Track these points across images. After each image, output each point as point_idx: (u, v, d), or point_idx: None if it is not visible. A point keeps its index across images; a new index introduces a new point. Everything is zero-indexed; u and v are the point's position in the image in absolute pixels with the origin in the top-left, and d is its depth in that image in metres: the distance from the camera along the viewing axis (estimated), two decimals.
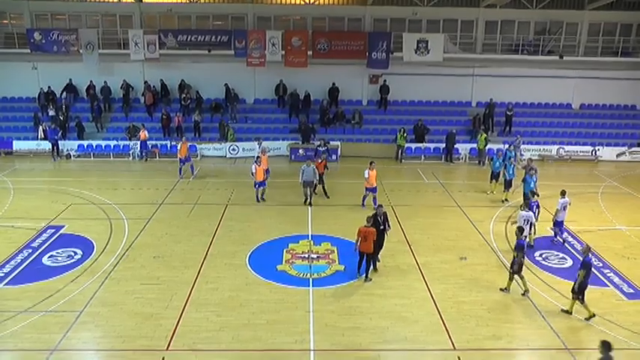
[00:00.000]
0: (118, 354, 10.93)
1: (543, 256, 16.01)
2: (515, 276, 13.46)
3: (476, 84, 31.22)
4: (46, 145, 27.64)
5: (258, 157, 20.79)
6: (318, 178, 20.31)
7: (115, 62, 29.83)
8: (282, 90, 30.41)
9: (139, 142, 27.42)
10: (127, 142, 28.04)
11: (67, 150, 27.83)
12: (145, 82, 30.16)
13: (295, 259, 15.42)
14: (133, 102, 30.59)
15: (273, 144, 27.77)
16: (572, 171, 26.74)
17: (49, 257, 15.35)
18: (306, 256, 15.63)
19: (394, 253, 15.53)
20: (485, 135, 27.36)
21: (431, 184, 23.78)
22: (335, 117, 29.95)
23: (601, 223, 18.98)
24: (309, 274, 14.44)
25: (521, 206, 16.27)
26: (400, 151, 27.77)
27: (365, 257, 13.99)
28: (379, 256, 14.72)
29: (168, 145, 27.84)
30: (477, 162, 27.79)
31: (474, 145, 27.99)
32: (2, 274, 14.24)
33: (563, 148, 28.91)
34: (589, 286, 12.47)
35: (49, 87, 29.62)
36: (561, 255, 16.05)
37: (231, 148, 28.22)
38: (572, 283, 12.58)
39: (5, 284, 13.75)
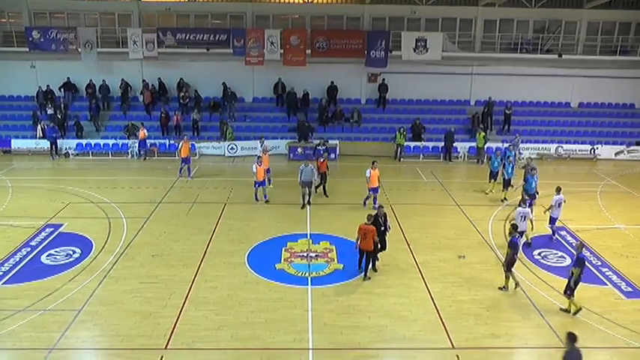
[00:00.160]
0: (117, 353, 10.92)
1: (542, 254, 16.02)
2: (507, 270, 13.48)
3: (474, 83, 31.23)
4: (45, 144, 27.61)
5: (259, 156, 20.77)
6: (318, 177, 20.25)
7: (113, 61, 29.77)
8: (281, 89, 30.39)
9: (137, 141, 27.39)
10: (125, 141, 28.02)
11: (66, 149, 27.80)
12: (143, 81, 30.15)
13: (294, 257, 15.42)
14: (131, 101, 30.56)
15: (271, 143, 27.71)
16: (570, 169, 26.77)
17: (48, 256, 15.34)
18: (305, 254, 15.63)
19: (393, 252, 15.52)
20: (483, 134, 27.38)
21: (430, 183, 23.79)
22: (334, 116, 29.94)
23: (600, 222, 19.00)
24: (307, 273, 14.44)
25: (520, 203, 16.28)
26: (399, 150, 27.77)
27: (365, 255, 13.99)
28: (378, 255, 14.70)
29: (167, 144, 27.83)
30: (475, 161, 27.82)
31: (473, 144, 28.01)
32: (1, 273, 14.22)
33: (561, 147, 28.94)
34: (585, 284, 12.51)
35: (47, 85, 29.58)
36: (560, 253, 16.06)
37: (230, 146, 28.21)
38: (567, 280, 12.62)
39: (4, 283, 13.73)
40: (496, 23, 30.60)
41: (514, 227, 13.94)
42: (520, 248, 15.88)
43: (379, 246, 14.44)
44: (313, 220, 18.52)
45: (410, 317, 12.37)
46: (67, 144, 27.88)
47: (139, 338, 11.34)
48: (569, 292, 12.46)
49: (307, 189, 19.71)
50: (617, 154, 29.05)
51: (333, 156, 27.03)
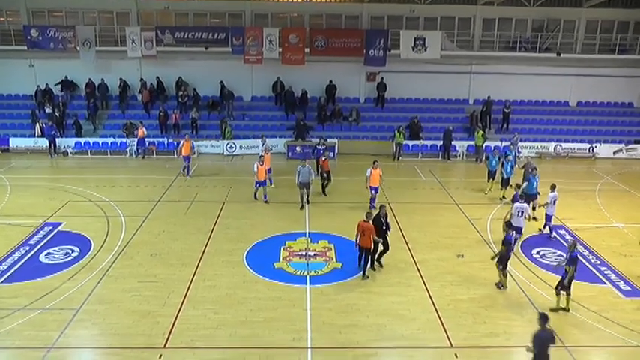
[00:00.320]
0: (116, 351, 10.92)
1: (540, 253, 16.04)
2: (500, 268, 13.52)
3: (473, 81, 31.25)
4: (43, 143, 27.58)
5: (261, 155, 20.71)
6: (318, 177, 20.14)
7: (112, 59, 29.76)
8: (280, 87, 30.38)
9: (136, 140, 27.36)
10: (124, 140, 27.99)
11: (64, 147, 27.78)
12: (142, 80, 30.12)
13: (292, 256, 15.43)
14: (130, 99, 30.54)
15: (270, 141, 27.70)
16: (569, 168, 26.79)
17: (47, 255, 15.33)
18: (304, 253, 15.63)
19: (392, 251, 15.46)
20: (482, 132, 27.41)
21: (428, 182, 23.80)
22: (332, 114, 29.94)
23: (598, 221, 19.02)
24: (306, 272, 14.44)
25: (513, 198, 16.35)
26: (398, 149, 27.75)
27: (364, 253, 13.99)
28: (382, 257, 14.68)
29: (166, 143, 27.81)
30: (474, 159, 27.83)
31: (472, 143, 28.02)
32: None
33: (560, 146, 28.96)
34: (584, 283, 12.51)
35: (46, 84, 29.56)
36: (558, 252, 16.06)
37: (229, 145, 28.20)
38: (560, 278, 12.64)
39: (3, 281, 13.73)
40: (495, 22, 30.61)
41: (508, 225, 14.06)
42: (519, 246, 16.01)
43: (383, 247, 14.43)
44: (312, 218, 18.52)
45: (408, 316, 12.38)
46: (66, 142, 27.86)
47: (137, 337, 11.34)
48: (559, 287, 12.49)
49: (305, 190, 19.57)
50: (615, 152, 29.09)
51: (332, 155, 27.00)
